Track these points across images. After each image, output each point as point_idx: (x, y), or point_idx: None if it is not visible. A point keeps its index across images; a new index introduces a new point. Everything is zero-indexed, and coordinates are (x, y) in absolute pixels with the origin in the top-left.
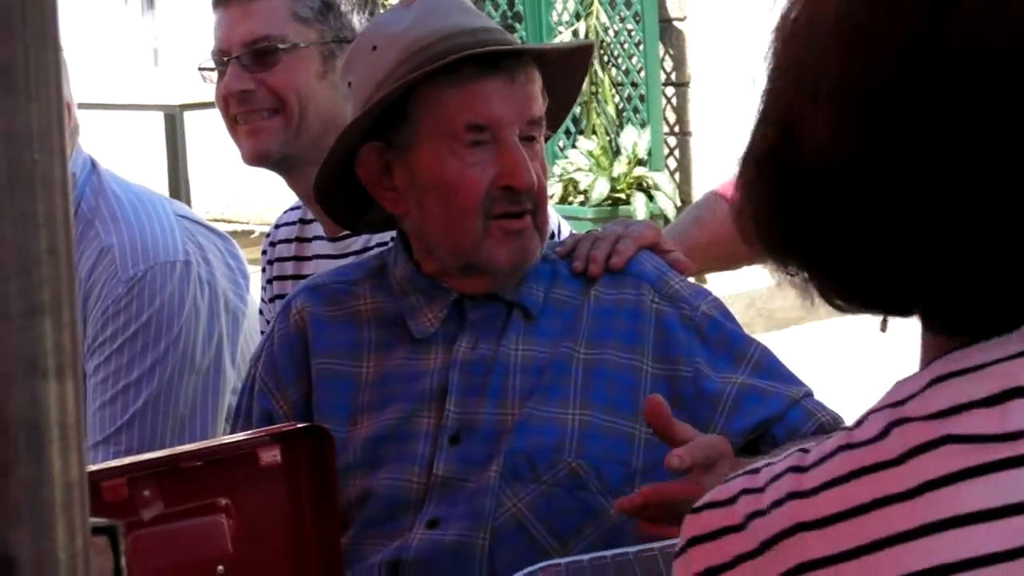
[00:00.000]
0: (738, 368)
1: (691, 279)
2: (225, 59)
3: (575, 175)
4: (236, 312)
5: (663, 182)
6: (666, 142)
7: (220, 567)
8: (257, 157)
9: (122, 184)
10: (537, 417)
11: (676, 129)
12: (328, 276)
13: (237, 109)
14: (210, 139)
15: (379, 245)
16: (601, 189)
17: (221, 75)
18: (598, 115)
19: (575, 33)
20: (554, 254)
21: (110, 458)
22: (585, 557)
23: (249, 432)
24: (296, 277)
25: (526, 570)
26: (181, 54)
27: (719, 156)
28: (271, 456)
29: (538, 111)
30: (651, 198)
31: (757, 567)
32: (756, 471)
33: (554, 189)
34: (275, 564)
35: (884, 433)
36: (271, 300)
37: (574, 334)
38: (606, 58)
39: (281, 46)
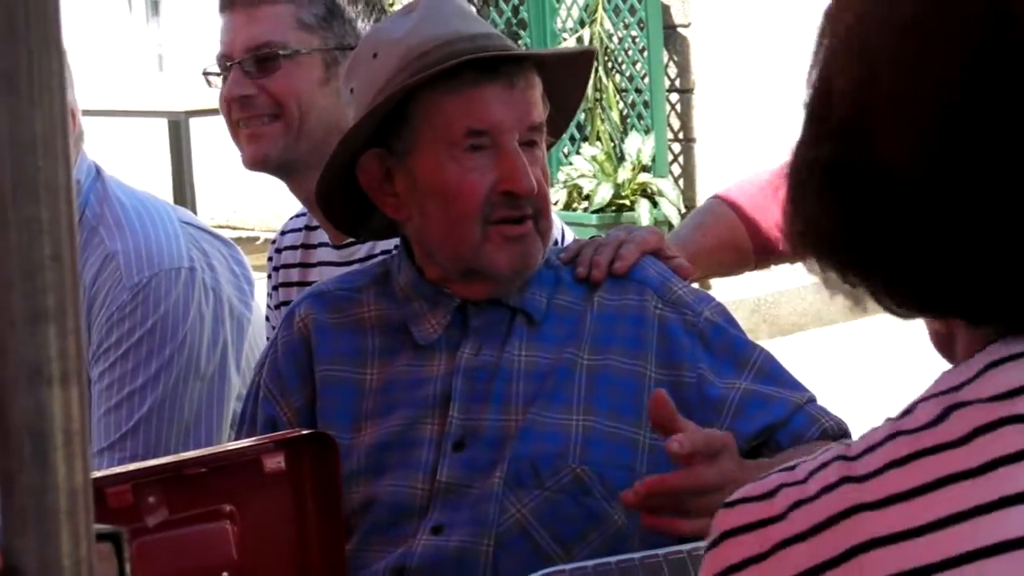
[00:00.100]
0: (741, 374)
1: (695, 285)
2: (228, 64)
3: (579, 181)
4: (241, 318)
5: (667, 188)
6: (670, 148)
7: (225, 573)
8: (256, 162)
9: (127, 191)
10: (541, 423)
11: (680, 135)
12: (332, 283)
13: (239, 114)
14: (215, 145)
15: (383, 253)
16: (604, 194)
17: (224, 80)
18: (602, 121)
19: (579, 40)
20: (557, 260)
21: (115, 464)
22: (590, 563)
23: (254, 439)
24: (301, 284)
25: None
26: (186, 60)
27: (723, 162)
28: (275, 463)
29: (538, 117)
30: (655, 204)
31: (808, 548)
32: (792, 467)
33: (558, 195)
34: (279, 570)
35: (942, 417)
36: (277, 307)
37: (577, 340)
38: (610, 64)
39: (282, 52)
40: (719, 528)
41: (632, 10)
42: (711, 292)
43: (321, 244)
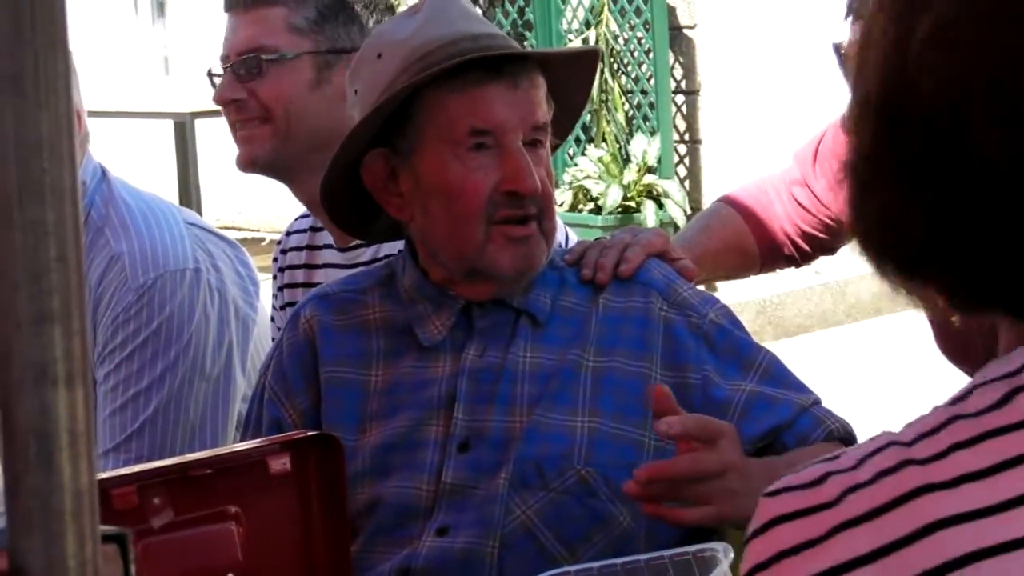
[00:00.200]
0: (747, 376)
1: (700, 287)
2: (224, 67)
3: (585, 183)
4: (246, 319)
5: (673, 190)
6: (676, 150)
7: (230, 575)
8: (246, 163)
9: (132, 192)
10: (546, 424)
11: (686, 137)
12: (337, 285)
13: (234, 116)
14: (220, 147)
15: (387, 257)
16: (615, 196)
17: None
18: (608, 123)
19: (585, 41)
20: (562, 261)
21: (120, 466)
22: (595, 565)
23: (259, 440)
24: (306, 285)
25: None
26: (191, 62)
27: (729, 164)
28: (281, 464)
29: (542, 117)
30: (661, 206)
31: (869, 531)
32: (835, 457)
33: (564, 197)
34: (285, 572)
35: (1005, 400)
36: (282, 307)
37: (582, 341)
38: (616, 66)
39: (265, 57)
40: (765, 516)
41: (638, 11)
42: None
43: (326, 246)
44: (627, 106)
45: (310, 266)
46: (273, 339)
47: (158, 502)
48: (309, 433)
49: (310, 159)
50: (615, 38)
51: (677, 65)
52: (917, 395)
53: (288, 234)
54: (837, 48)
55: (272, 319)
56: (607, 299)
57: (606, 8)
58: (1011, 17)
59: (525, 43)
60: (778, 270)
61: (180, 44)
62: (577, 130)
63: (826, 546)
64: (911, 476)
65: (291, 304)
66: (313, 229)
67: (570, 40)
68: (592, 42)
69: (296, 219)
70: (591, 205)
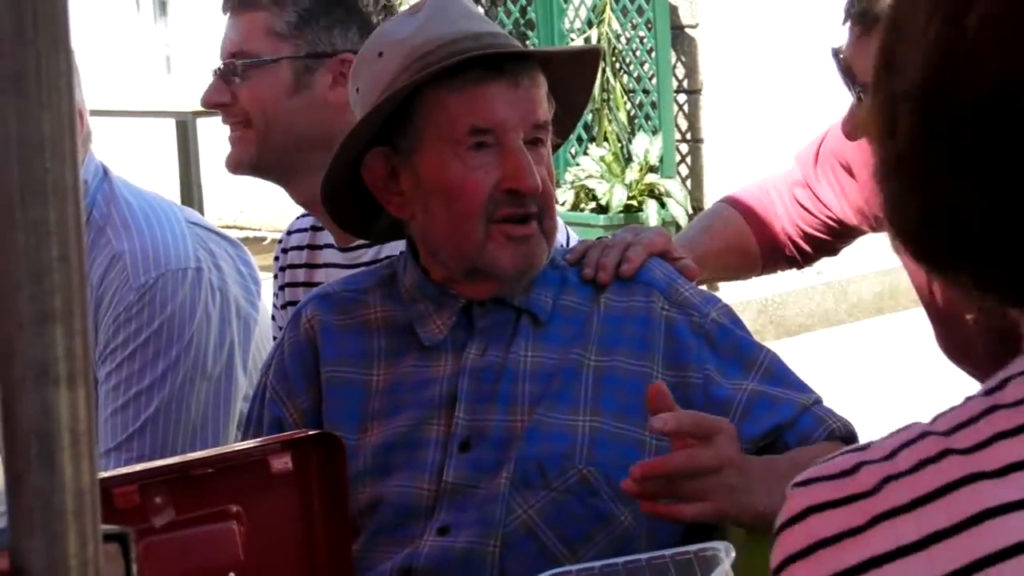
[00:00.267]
0: (748, 375)
1: (702, 287)
2: (214, 69)
3: (587, 182)
4: (248, 319)
5: (675, 189)
6: (678, 149)
7: (231, 574)
8: (234, 166)
9: (134, 191)
10: (547, 424)
11: (688, 136)
12: (338, 285)
13: (224, 118)
14: (222, 146)
15: (388, 258)
16: (620, 196)
17: None
18: (610, 122)
19: (587, 40)
20: (563, 261)
21: (122, 465)
22: (596, 564)
23: (260, 439)
24: (307, 284)
25: None
26: (193, 61)
27: (731, 163)
28: (282, 463)
29: (543, 115)
30: (663, 205)
31: (915, 519)
32: (864, 447)
33: (566, 196)
34: (286, 571)
35: None
36: (283, 307)
37: (584, 341)
38: (618, 65)
39: (246, 62)
40: (797, 506)
41: (640, 11)
42: (718, 293)
43: (327, 245)
44: (629, 105)
45: (311, 265)
46: (274, 338)
47: (159, 501)
48: (311, 432)
49: (297, 162)
50: (617, 37)
51: (679, 64)
52: (918, 394)
53: (289, 233)
54: (836, 53)
55: (273, 318)
56: (608, 298)
57: (608, 7)
58: None
59: (527, 42)
60: (779, 271)
61: (182, 43)
62: (579, 129)
63: (869, 535)
64: (955, 465)
65: (292, 303)
66: (314, 228)
67: (572, 39)
68: (594, 41)
69: (297, 218)
70: (593, 204)
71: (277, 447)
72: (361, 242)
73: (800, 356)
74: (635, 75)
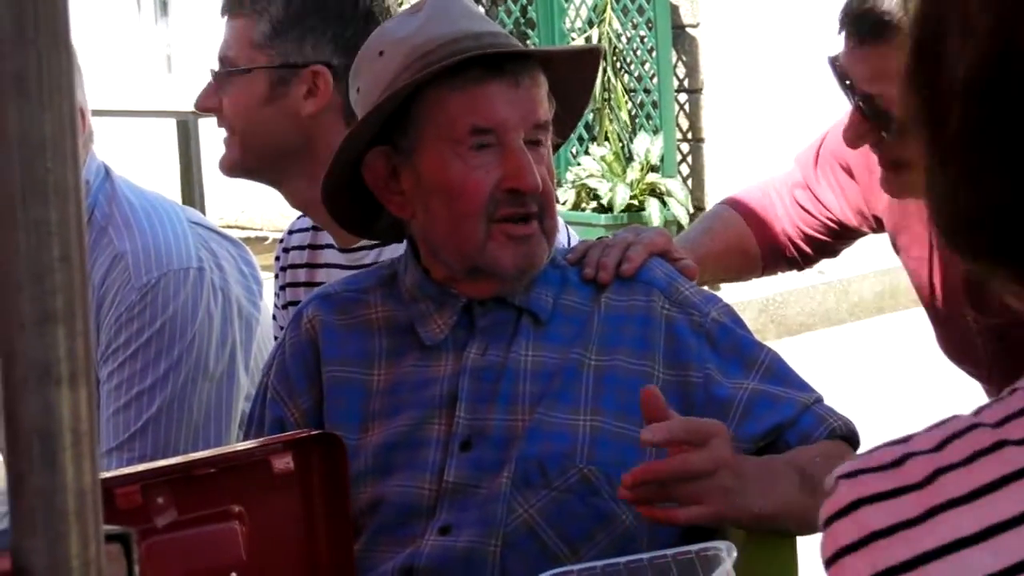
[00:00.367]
0: (749, 374)
1: (704, 288)
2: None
3: (588, 181)
4: (249, 319)
5: (676, 189)
6: (679, 148)
7: (233, 574)
8: (225, 168)
9: (136, 191)
10: (548, 423)
11: (689, 136)
12: (339, 285)
13: (218, 122)
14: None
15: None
16: (623, 195)
17: None
18: (611, 121)
19: (588, 40)
20: (564, 260)
21: (123, 465)
22: (598, 564)
23: (262, 439)
24: (309, 284)
25: None
26: (195, 61)
27: (732, 162)
28: (284, 463)
29: (544, 115)
30: (664, 204)
31: (973, 511)
32: (905, 440)
33: (567, 196)
34: (288, 571)
35: None
36: (284, 306)
37: (584, 340)
38: (619, 65)
39: (227, 69)
40: (845, 498)
41: (641, 10)
42: (719, 293)
43: (328, 245)
44: (630, 105)
45: (312, 265)
46: (276, 338)
47: (161, 501)
48: (312, 432)
49: (281, 168)
50: (618, 36)
51: (680, 64)
52: (919, 393)
53: (290, 232)
54: (833, 61)
55: (274, 318)
56: (609, 298)
57: (609, 6)
58: None
59: (528, 42)
60: (780, 272)
61: (183, 43)
62: (580, 129)
63: (927, 527)
64: (1013, 456)
65: (293, 303)
66: (315, 228)
67: (573, 39)
68: (595, 40)
69: (298, 218)
70: (594, 204)
71: (279, 447)
72: (362, 244)
73: (801, 355)
74: (636, 74)
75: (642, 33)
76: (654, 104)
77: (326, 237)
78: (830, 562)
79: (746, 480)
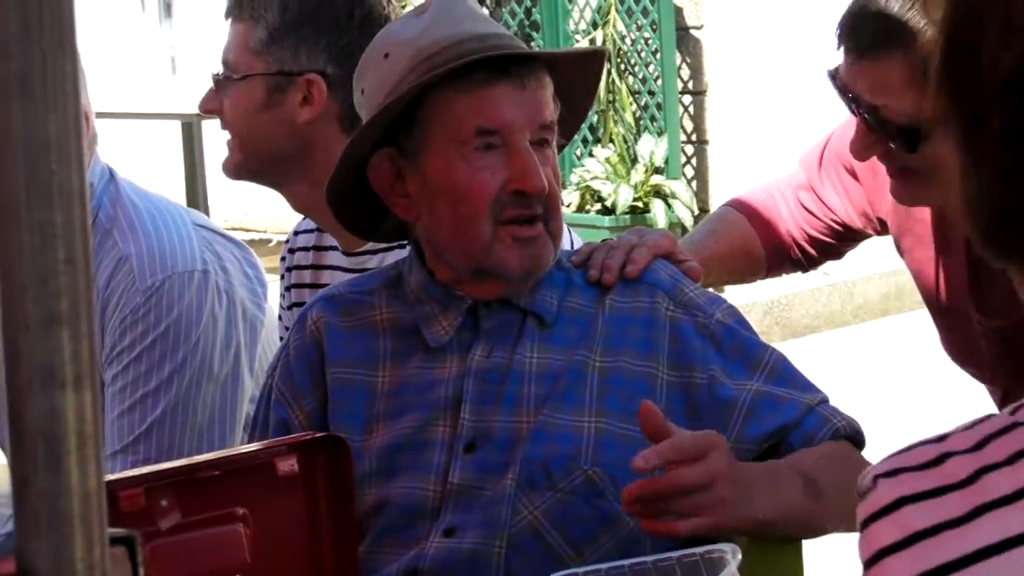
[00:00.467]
0: (753, 375)
1: (709, 290)
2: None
3: (592, 183)
4: (254, 321)
5: (680, 190)
6: (683, 150)
7: None
8: (228, 171)
9: (140, 193)
10: (552, 425)
11: (693, 137)
12: (344, 286)
13: (221, 124)
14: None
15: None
16: (626, 196)
17: None
18: (615, 123)
19: (592, 42)
20: (568, 263)
21: (128, 467)
22: (603, 566)
23: (266, 441)
24: (314, 286)
25: None
26: (199, 63)
27: (736, 164)
28: (288, 465)
29: (549, 116)
30: (669, 206)
31: (1019, 509)
32: (940, 438)
33: (571, 197)
34: (292, 573)
35: None
36: (289, 307)
37: (589, 342)
38: (623, 66)
39: (225, 74)
40: (887, 497)
41: (645, 12)
42: (723, 295)
43: (332, 247)
44: (634, 106)
45: (317, 267)
46: (281, 339)
47: (166, 504)
48: (317, 435)
49: (281, 172)
50: (622, 38)
51: (684, 66)
52: (924, 395)
53: (296, 234)
54: (833, 75)
55: (280, 318)
56: (613, 300)
57: (613, 8)
58: None
59: (532, 43)
60: (784, 274)
61: (187, 45)
62: (584, 130)
63: (972, 527)
64: None
65: (298, 304)
66: (320, 230)
67: (577, 40)
68: (599, 42)
69: (304, 219)
70: (598, 206)
71: (283, 449)
72: (366, 248)
73: (806, 357)
74: (640, 76)
75: (646, 35)
76: (658, 106)
77: (331, 239)
78: (870, 563)
79: (750, 488)
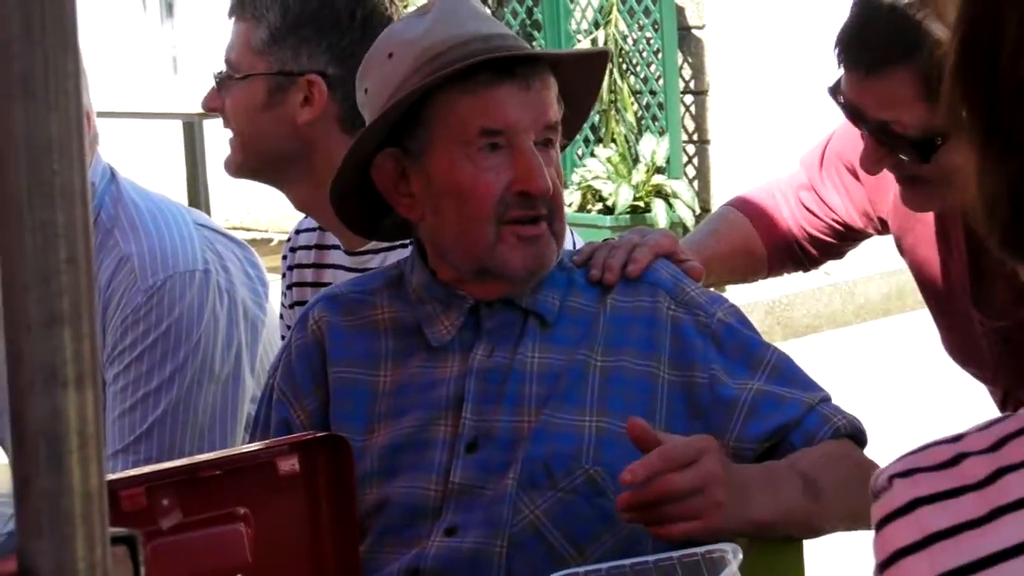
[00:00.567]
0: (755, 374)
1: (711, 289)
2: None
3: (593, 183)
4: (255, 321)
5: (682, 190)
6: (684, 150)
7: None
8: (230, 169)
9: (141, 193)
10: (554, 424)
11: (695, 137)
12: (346, 286)
13: (223, 123)
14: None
15: None
16: (626, 196)
17: None
18: (617, 123)
19: (594, 41)
20: (570, 263)
21: (129, 467)
22: (604, 566)
23: (268, 441)
24: (315, 284)
25: None
26: (200, 62)
27: (738, 164)
28: (290, 465)
29: (553, 117)
30: (670, 206)
31: None
32: (955, 438)
33: (572, 197)
34: (294, 573)
35: None
36: (291, 306)
37: (590, 341)
38: (625, 66)
39: (227, 73)
40: (902, 497)
41: (647, 12)
42: (725, 295)
43: (334, 246)
44: (636, 106)
45: (319, 265)
46: (283, 337)
47: (167, 503)
48: (318, 434)
49: (282, 171)
50: (624, 38)
51: (686, 65)
52: (925, 395)
53: (298, 232)
54: (834, 93)
55: (281, 317)
56: (615, 299)
57: (615, 8)
58: None
59: (534, 43)
60: (785, 274)
61: (189, 44)
62: (586, 130)
63: (991, 528)
64: None
65: (300, 303)
66: (322, 228)
67: (579, 40)
68: (601, 42)
69: (305, 217)
70: (599, 205)
71: (284, 449)
72: (368, 247)
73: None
74: (642, 76)
75: (648, 35)
76: (660, 106)
77: (333, 237)
78: (887, 563)
79: (747, 490)
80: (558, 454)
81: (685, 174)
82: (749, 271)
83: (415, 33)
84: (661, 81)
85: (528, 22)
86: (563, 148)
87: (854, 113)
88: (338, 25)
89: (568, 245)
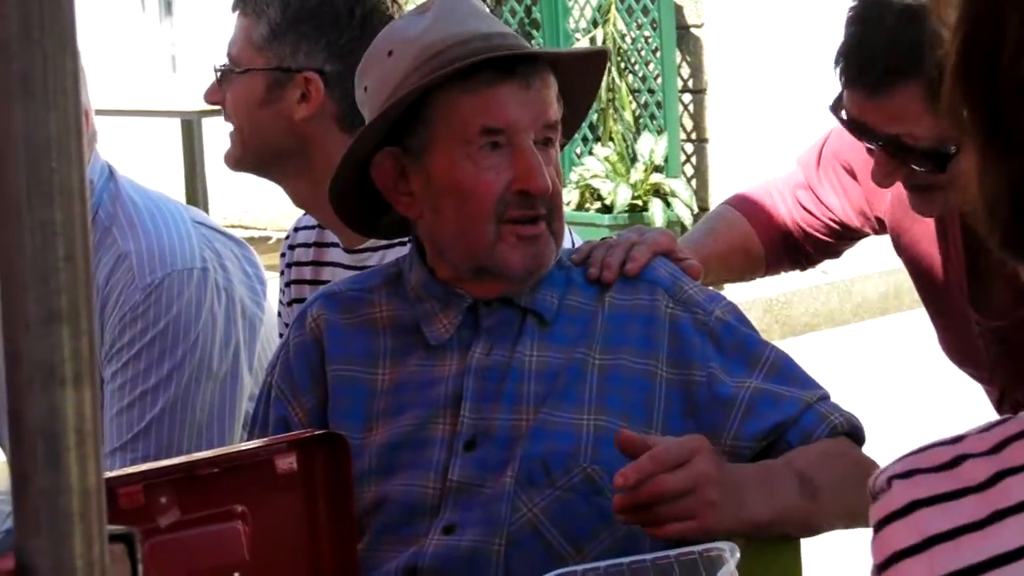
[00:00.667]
0: (752, 372)
1: (709, 287)
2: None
3: (592, 181)
4: (253, 319)
5: (680, 189)
6: (683, 149)
7: (236, 574)
8: (229, 162)
9: (140, 191)
10: (552, 423)
11: (693, 136)
12: (344, 284)
13: (224, 116)
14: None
15: None
16: (624, 195)
17: None
18: (615, 122)
19: (592, 40)
20: (569, 261)
21: (127, 465)
22: (602, 564)
23: (266, 439)
24: (314, 282)
25: None
26: (199, 60)
27: (736, 163)
28: (287, 463)
29: (553, 116)
30: (668, 205)
31: None
32: (955, 440)
33: (570, 196)
34: (291, 571)
35: None
36: (289, 304)
37: (588, 340)
38: (623, 65)
39: (227, 67)
40: (902, 499)
41: (645, 10)
42: (723, 292)
43: (333, 244)
44: (634, 105)
45: (317, 263)
46: (281, 335)
47: (165, 501)
48: (316, 432)
49: (280, 166)
50: (622, 37)
51: (684, 64)
52: (923, 393)
53: (296, 230)
54: (836, 111)
55: (279, 314)
56: (613, 297)
57: (613, 7)
58: None
59: (532, 41)
60: (783, 272)
61: (187, 42)
62: (584, 129)
63: (992, 531)
64: None
65: (298, 300)
66: (321, 226)
67: (577, 39)
68: (599, 41)
69: (304, 215)
70: (598, 204)
71: (282, 447)
72: (367, 245)
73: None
74: (640, 75)
75: (646, 33)
76: (658, 104)
77: (332, 235)
78: (885, 565)
79: (738, 489)
80: (556, 452)
81: (683, 173)
82: (747, 269)
83: (415, 31)
84: (659, 80)
85: (527, 20)
86: (562, 147)
87: (859, 129)
88: (337, 22)
89: (567, 244)
